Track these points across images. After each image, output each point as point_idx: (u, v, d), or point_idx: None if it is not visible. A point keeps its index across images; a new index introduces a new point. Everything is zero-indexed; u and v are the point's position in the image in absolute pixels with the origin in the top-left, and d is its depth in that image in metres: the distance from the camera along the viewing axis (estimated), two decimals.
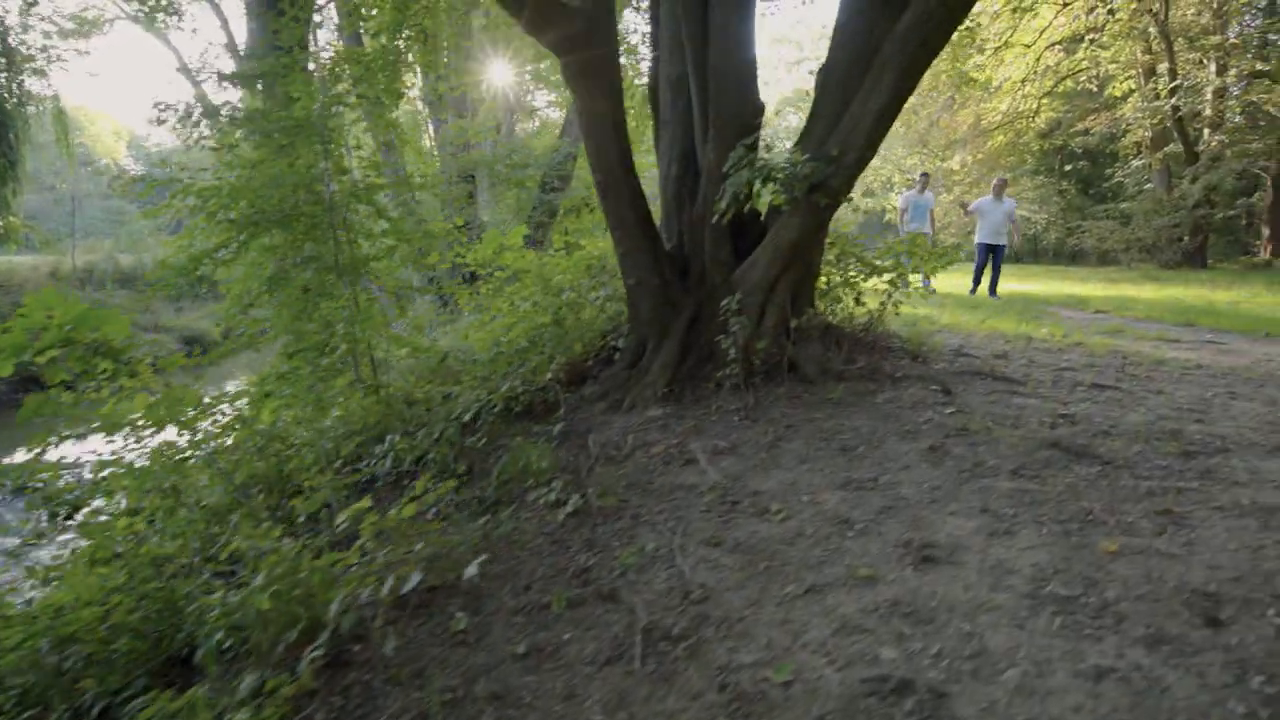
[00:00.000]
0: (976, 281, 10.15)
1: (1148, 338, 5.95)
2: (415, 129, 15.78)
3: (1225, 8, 14.80)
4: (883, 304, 4.93)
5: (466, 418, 3.80)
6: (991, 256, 9.85)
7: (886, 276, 4.32)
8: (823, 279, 4.73)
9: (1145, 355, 4.99)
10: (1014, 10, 8.09)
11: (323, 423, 4.51)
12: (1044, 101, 19.76)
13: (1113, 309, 8.39)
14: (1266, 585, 1.73)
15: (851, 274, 4.45)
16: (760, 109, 4.12)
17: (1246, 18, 16.86)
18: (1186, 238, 16.43)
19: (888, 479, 2.66)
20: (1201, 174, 15.18)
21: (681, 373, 4.08)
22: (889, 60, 3.18)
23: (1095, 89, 19.14)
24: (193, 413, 3.45)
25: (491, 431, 3.82)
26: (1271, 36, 15.05)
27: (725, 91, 4.00)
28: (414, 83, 12.82)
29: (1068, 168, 23.95)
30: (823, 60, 3.92)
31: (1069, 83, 19.56)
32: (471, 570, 1.99)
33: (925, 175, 11.18)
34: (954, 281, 12.54)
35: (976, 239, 10.01)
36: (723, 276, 4.32)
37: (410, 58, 7.01)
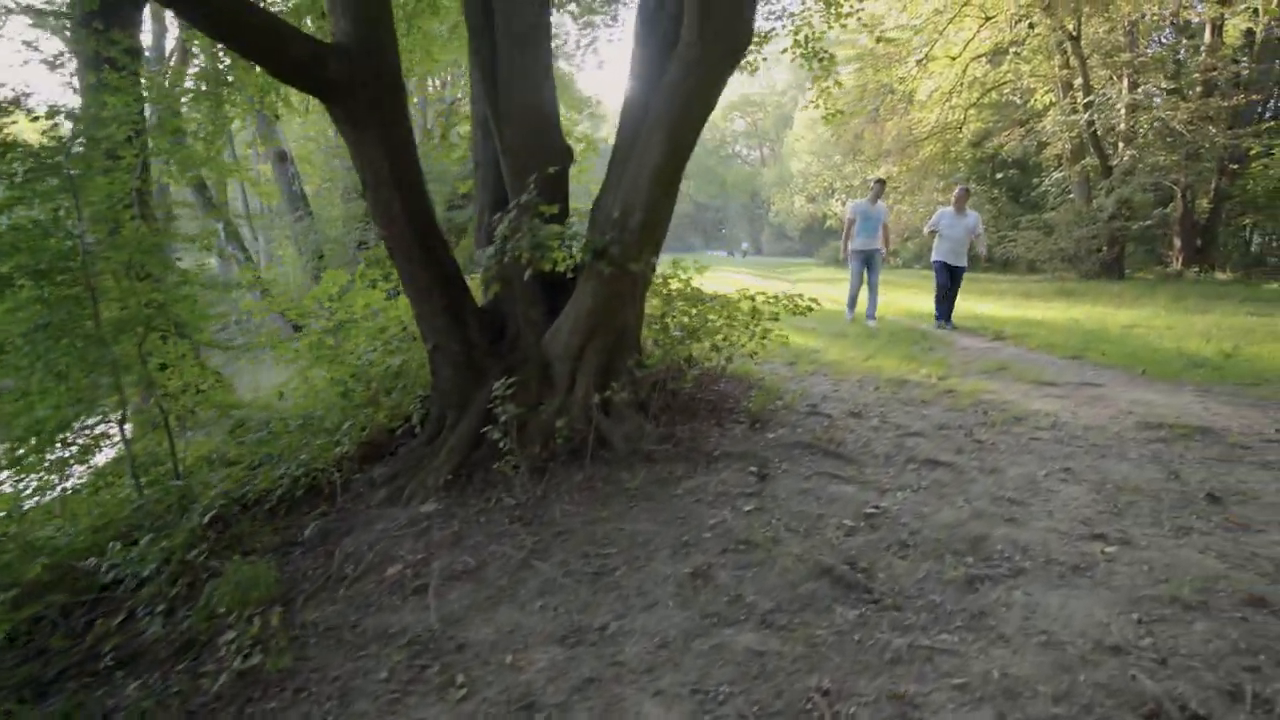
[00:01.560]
0: (939, 311, 8.79)
1: (1025, 379, 5.71)
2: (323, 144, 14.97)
3: (1134, 27, 14.99)
4: (727, 358, 4.57)
5: (206, 518, 3.25)
6: (950, 278, 8.63)
7: (708, 341, 3.91)
8: (665, 336, 4.34)
9: (1009, 407, 4.71)
10: (876, 39, 7.72)
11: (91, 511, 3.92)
12: (970, 113, 19.91)
13: (1011, 335, 8.22)
14: None
15: (675, 334, 4.04)
16: (563, 153, 3.68)
17: (1166, 33, 17.20)
18: (1104, 249, 16.67)
19: (620, 626, 2.23)
20: (1116, 187, 15.37)
21: (478, 454, 3.62)
22: (658, 118, 2.77)
23: (1018, 101, 19.35)
24: None
25: (243, 532, 3.30)
26: (1182, 56, 15.33)
27: (518, 136, 3.55)
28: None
29: (999, 176, 24.23)
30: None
31: (994, 94, 19.75)
32: None
33: (880, 182, 9.09)
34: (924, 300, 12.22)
35: (934, 256, 8.64)
36: (536, 338, 3.88)
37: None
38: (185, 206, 11.07)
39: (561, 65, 10.20)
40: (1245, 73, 14.00)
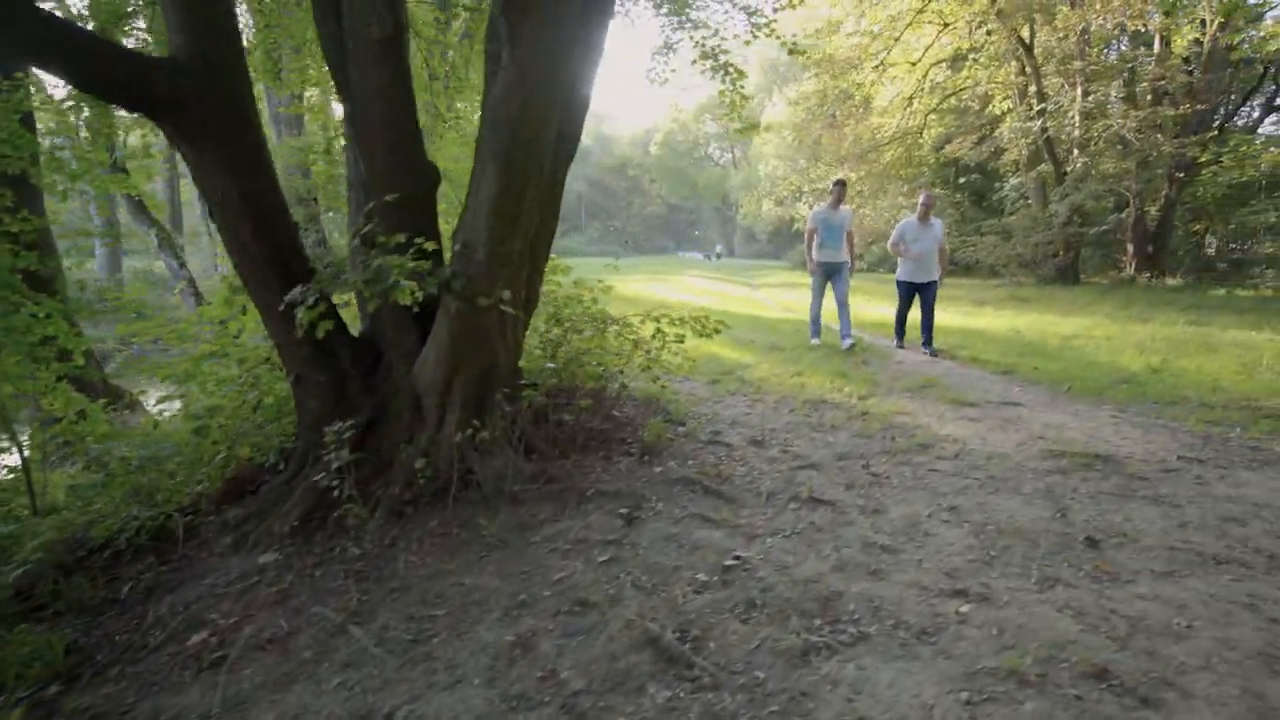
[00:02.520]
0: (899, 332, 8.05)
1: (947, 398, 5.58)
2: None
3: (1085, 35, 15.09)
4: (622, 385, 4.39)
5: (13, 575, 2.97)
6: (920, 297, 7.68)
7: (583, 370, 3.72)
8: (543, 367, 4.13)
9: (919, 432, 4.58)
10: (790, 51, 7.45)
11: None
12: (931, 118, 19.97)
13: (950, 348, 8.12)
14: None
15: (549, 366, 3.84)
16: (428, 176, 3.45)
17: (1123, 41, 17.34)
18: (1060, 254, 16.79)
19: (411, 711, 2.02)
20: (1069, 193, 15.47)
21: (333, 497, 3.38)
22: (489, 146, 2.57)
23: (976, 107, 19.44)
24: None
25: (62, 588, 3.03)
26: (1135, 65, 15.45)
27: (378, 156, 3.32)
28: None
29: (961, 181, 24.36)
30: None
31: (953, 100, 19.83)
32: None
33: (840, 184, 7.86)
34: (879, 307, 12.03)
35: (898, 275, 7.78)
36: (407, 369, 3.65)
37: None
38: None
39: None
40: (1195, 83, 14.14)
